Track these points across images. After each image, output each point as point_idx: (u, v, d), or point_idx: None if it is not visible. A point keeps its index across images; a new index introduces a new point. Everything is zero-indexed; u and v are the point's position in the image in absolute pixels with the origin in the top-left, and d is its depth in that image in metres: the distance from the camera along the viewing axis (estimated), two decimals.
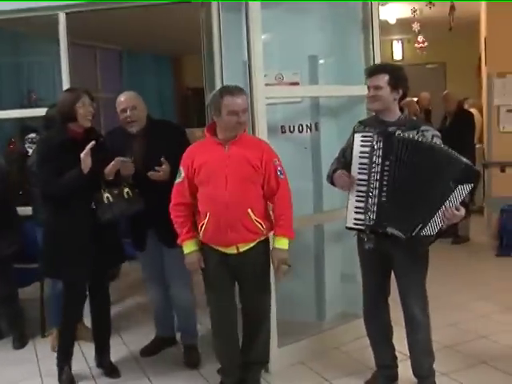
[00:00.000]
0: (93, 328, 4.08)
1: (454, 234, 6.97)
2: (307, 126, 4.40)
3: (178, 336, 4.36)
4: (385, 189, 3.16)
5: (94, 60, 9.42)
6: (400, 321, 3.44)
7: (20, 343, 4.65)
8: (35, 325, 4.80)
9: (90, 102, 3.70)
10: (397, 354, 3.58)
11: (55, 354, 3.92)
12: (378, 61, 4.28)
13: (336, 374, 3.85)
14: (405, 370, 3.53)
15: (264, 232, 3.41)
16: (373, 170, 3.19)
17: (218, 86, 4.01)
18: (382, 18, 4.54)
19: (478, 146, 7.72)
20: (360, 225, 3.27)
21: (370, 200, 3.21)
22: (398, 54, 11.93)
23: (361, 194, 3.26)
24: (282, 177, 3.40)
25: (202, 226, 3.38)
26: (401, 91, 3.27)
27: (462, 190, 3.02)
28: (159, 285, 4.20)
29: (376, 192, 3.19)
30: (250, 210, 3.32)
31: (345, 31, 4.44)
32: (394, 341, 3.57)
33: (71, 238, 3.69)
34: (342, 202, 3.78)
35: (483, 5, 7.70)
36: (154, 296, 4.30)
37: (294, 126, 4.44)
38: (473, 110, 7.94)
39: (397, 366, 3.59)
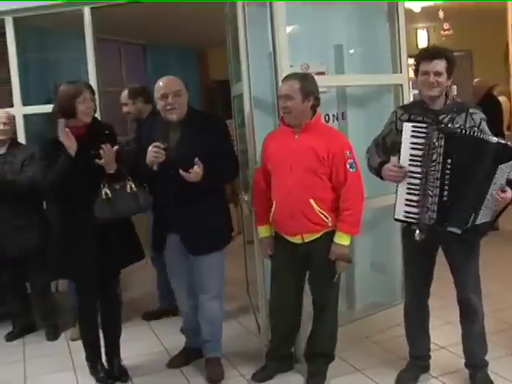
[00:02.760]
0: (101, 328, 3.89)
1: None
2: (334, 115, 4.36)
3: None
4: (446, 188, 3.06)
5: (118, 55, 9.46)
6: (433, 311, 3.41)
7: (53, 335, 4.71)
8: (68, 317, 4.85)
9: (91, 96, 3.54)
10: None
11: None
12: (404, 50, 4.24)
13: (367, 363, 3.85)
14: (436, 360, 3.51)
15: (330, 224, 3.38)
16: (432, 168, 3.06)
17: (244, 78, 4.00)
18: (406, 6, 4.47)
19: (507, 133, 7.61)
20: (412, 218, 3.17)
21: (430, 199, 3.09)
22: (423, 43, 11.79)
23: (413, 187, 3.13)
24: (352, 170, 3.32)
25: (271, 213, 3.48)
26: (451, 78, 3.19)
27: (504, 170, 2.97)
28: (189, 295, 3.83)
29: (437, 191, 3.07)
30: (312, 201, 3.33)
31: (370, 20, 4.40)
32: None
33: (73, 237, 3.54)
34: (370, 191, 3.75)
35: None
36: (184, 307, 3.93)
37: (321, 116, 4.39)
38: (501, 98, 7.82)
39: (430, 357, 3.58)
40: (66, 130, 3.36)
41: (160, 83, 3.57)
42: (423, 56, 3.20)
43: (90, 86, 3.65)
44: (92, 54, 4.93)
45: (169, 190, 3.51)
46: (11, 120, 4.54)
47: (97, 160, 3.35)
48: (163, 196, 3.57)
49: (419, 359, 3.56)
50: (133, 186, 3.51)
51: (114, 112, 5.17)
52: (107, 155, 3.37)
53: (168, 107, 3.52)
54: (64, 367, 4.15)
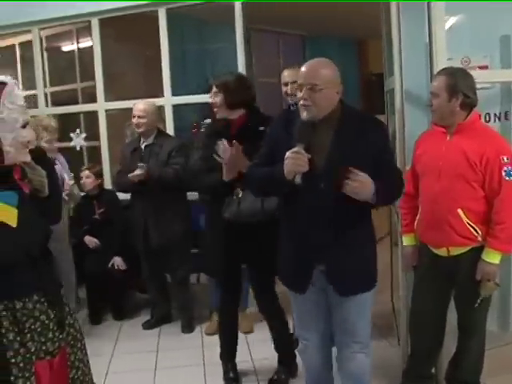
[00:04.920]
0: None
1: None
2: (495, 115, 3.92)
3: None
4: None
5: (276, 46, 9.39)
6: None
7: (188, 328, 4.71)
8: (204, 310, 4.84)
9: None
10: None
11: (218, 342, 3.85)
12: None
13: None
14: None
15: (479, 239, 3.02)
16: None
17: (396, 72, 3.69)
18: None
19: None
20: None
21: None
22: None
23: None
24: (508, 178, 2.95)
25: (416, 221, 3.23)
26: None
27: None
28: (323, 345, 3.00)
29: None
30: (460, 211, 3.00)
31: None
32: None
33: (210, 233, 3.61)
34: None
35: None
36: (313, 358, 3.03)
37: (479, 115, 3.98)
38: None
39: None
40: (229, 147, 3.25)
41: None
42: None
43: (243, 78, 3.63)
44: (242, 45, 4.92)
45: (316, 210, 2.69)
46: (148, 112, 4.53)
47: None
48: (306, 219, 2.73)
49: None
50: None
51: (271, 103, 5.07)
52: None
53: (301, 102, 2.71)
54: (194, 362, 4.12)
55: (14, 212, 2.14)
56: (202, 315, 4.82)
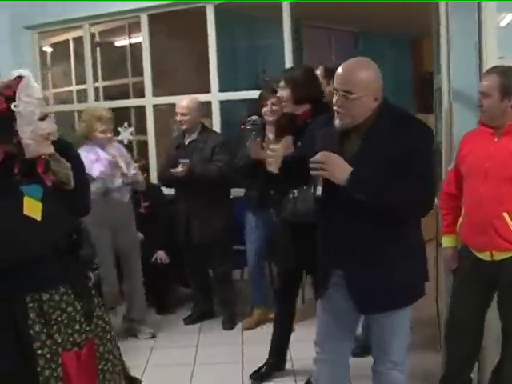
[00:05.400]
0: None
1: None
2: None
3: None
4: None
5: (328, 42, 9.31)
6: None
7: (229, 325, 4.71)
8: (246, 307, 4.83)
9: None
10: None
11: (258, 340, 3.82)
12: None
13: None
14: None
15: None
16: None
17: (444, 70, 3.60)
18: None
19: None
20: None
21: None
22: None
23: None
24: None
25: (459, 223, 3.14)
26: None
27: None
28: (335, 362, 2.73)
29: None
30: (506, 215, 2.90)
31: None
32: None
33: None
34: None
35: None
36: (321, 373, 2.78)
37: None
38: None
39: None
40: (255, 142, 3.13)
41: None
42: None
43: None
44: (290, 42, 4.97)
45: (337, 220, 2.54)
46: (190, 109, 4.52)
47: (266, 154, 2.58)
48: (329, 226, 2.59)
49: None
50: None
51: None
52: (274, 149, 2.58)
53: (335, 107, 2.48)
54: (233, 359, 4.11)
55: (39, 205, 2.15)
56: (244, 312, 4.79)
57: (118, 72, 7.59)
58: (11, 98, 2.09)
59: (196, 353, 4.26)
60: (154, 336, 4.52)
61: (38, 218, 2.14)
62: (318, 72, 4.55)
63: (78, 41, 6.59)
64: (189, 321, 4.80)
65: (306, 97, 3.47)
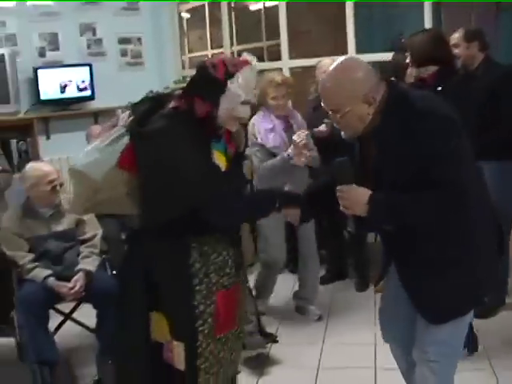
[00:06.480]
0: None
1: None
2: None
3: None
4: None
5: (468, 17, 8.89)
6: None
7: (362, 287, 4.74)
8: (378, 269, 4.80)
9: None
10: None
11: None
12: None
13: None
14: None
15: None
16: None
17: None
18: None
19: None
20: None
21: None
22: None
23: None
24: None
25: None
26: None
27: None
28: (406, 351, 2.54)
29: None
30: None
31: None
32: None
33: None
34: None
35: None
36: (402, 363, 2.65)
37: None
38: None
39: None
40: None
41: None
42: None
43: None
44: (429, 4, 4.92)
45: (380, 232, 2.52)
46: None
47: None
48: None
49: None
50: None
51: None
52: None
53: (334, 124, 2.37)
54: (365, 323, 4.06)
55: (223, 158, 2.42)
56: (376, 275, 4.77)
57: (252, 36, 7.67)
58: (231, 75, 2.31)
59: (328, 316, 4.33)
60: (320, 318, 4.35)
61: (223, 167, 2.39)
62: (457, 35, 4.41)
63: (213, 6, 6.73)
64: (322, 281, 4.84)
65: (427, 59, 3.44)
